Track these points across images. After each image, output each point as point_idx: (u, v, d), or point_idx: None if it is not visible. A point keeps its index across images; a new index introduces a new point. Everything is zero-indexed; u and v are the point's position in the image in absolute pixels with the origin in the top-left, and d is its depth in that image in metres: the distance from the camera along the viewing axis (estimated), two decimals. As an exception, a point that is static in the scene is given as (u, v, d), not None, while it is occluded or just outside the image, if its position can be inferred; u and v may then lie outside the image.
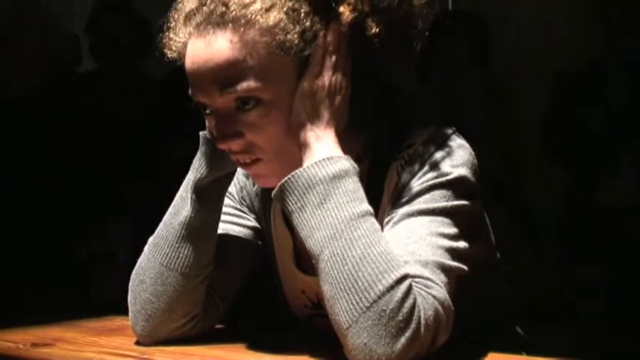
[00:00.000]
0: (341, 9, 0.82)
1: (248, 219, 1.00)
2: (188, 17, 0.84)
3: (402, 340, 0.74)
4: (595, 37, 2.28)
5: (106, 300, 1.93)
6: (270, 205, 0.98)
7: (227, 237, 0.97)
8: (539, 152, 2.39)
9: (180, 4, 0.87)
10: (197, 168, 0.92)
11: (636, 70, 2.17)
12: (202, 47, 0.82)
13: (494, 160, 2.32)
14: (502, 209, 2.25)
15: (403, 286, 0.75)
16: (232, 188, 1.00)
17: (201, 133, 0.92)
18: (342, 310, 0.76)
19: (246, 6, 0.81)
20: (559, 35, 2.52)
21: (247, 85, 0.81)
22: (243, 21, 0.80)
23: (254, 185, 1.00)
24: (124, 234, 2.21)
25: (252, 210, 1.01)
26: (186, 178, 0.94)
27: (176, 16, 0.87)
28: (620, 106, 2.17)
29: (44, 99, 2.17)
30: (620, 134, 2.15)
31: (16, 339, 0.98)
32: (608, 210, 2.09)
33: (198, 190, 0.91)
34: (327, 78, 0.83)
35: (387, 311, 0.74)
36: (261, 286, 1.03)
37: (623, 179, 2.11)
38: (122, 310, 1.10)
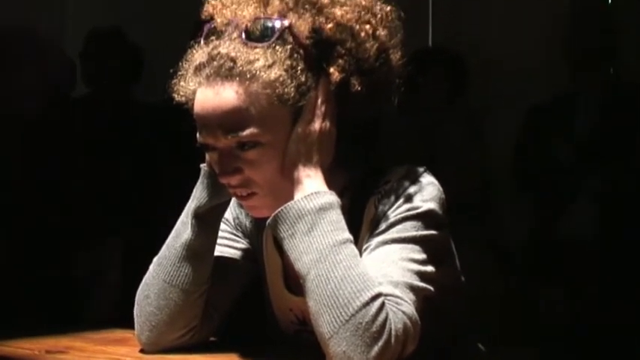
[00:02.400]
0: (330, 69, 0.96)
1: (242, 243, 1.13)
2: (198, 68, 0.97)
3: (376, 348, 0.86)
4: (563, 72, 2.42)
5: (99, 317, 2.02)
6: (262, 232, 1.10)
7: (223, 258, 1.10)
8: (511, 182, 2.51)
9: (190, 56, 0.99)
10: (197, 197, 1.05)
11: (597, 107, 2.30)
12: (211, 96, 0.95)
13: (469, 189, 2.45)
14: (475, 234, 2.38)
15: (377, 303, 0.88)
16: (229, 215, 1.12)
17: (202, 165, 1.05)
18: (324, 322, 0.88)
19: (251, 62, 0.94)
20: (531, 69, 2.64)
21: (249, 131, 0.94)
22: (248, 75, 0.93)
23: (247, 214, 1.13)
24: (113, 255, 2.30)
25: (246, 235, 1.13)
26: (187, 205, 1.06)
27: (186, 65, 0.99)
28: (584, 139, 2.27)
29: (43, 123, 2.24)
30: (583, 167, 2.27)
31: (31, 347, 1.08)
32: (569, 240, 2.22)
33: (198, 216, 1.04)
34: (317, 125, 0.96)
35: (363, 324, 0.87)
36: (252, 304, 1.15)
37: (583, 211, 2.24)
38: (119, 323, 1.22)
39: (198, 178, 1.05)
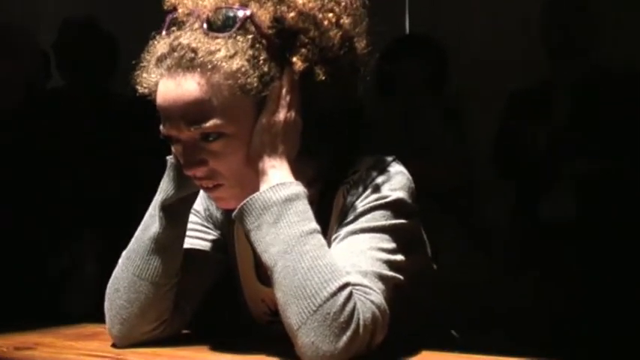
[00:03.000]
0: (294, 59, 0.95)
1: (213, 234, 1.12)
2: (160, 60, 0.96)
3: (344, 338, 0.86)
4: (543, 60, 2.43)
5: (77, 310, 2.01)
6: (233, 223, 1.10)
7: (194, 250, 1.09)
8: (491, 168, 2.53)
9: (152, 47, 0.98)
10: (164, 189, 1.04)
11: (578, 91, 2.32)
12: (173, 87, 0.94)
13: (449, 176, 2.45)
14: (454, 220, 2.39)
15: (345, 293, 0.88)
16: (199, 206, 1.12)
17: (167, 157, 1.04)
18: (292, 313, 0.88)
19: (212, 53, 0.93)
20: (510, 55, 2.65)
21: (212, 122, 0.93)
22: (209, 66, 0.92)
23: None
24: (89, 248, 2.28)
25: (217, 226, 1.13)
26: (155, 198, 1.05)
27: (148, 57, 0.98)
28: (561, 126, 2.30)
29: (21, 117, 2.22)
30: (562, 153, 2.29)
31: (0, 343, 1.07)
32: (548, 223, 2.24)
33: (165, 208, 1.03)
34: (282, 115, 0.95)
35: (331, 314, 0.87)
36: (224, 295, 1.14)
37: (563, 195, 2.27)
38: (93, 318, 1.21)
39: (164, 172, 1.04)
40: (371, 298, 0.90)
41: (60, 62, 2.59)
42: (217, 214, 1.13)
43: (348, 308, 0.87)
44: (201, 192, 1.08)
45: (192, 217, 1.09)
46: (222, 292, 1.14)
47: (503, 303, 2.20)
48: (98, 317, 1.16)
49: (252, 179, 0.96)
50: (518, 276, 2.25)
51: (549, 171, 2.29)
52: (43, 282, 2.12)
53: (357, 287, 0.90)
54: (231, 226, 1.11)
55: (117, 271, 1.05)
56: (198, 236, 1.11)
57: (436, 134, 2.54)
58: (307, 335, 0.87)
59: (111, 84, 2.59)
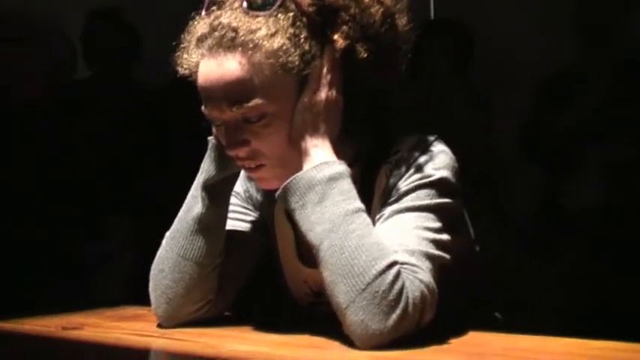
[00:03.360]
0: (335, 36, 0.94)
1: (254, 216, 1.12)
2: (200, 40, 0.95)
3: (394, 316, 0.86)
4: (572, 46, 2.40)
5: (113, 296, 2.03)
6: (273, 204, 1.10)
7: (236, 232, 1.09)
8: (519, 155, 2.51)
9: (192, 27, 0.98)
10: (206, 169, 1.04)
11: (607, 78, 2.29)
12: (214, 67, 0.93)
13: (476, 162, 2.43)
14: (484, 208, 2.37)
15: (393, 271, 0.87)
16: (239, 188, 1.11)
17: (209, 138, 1.04)
18: (340, 292, 0.88)
19: (253, 32, 0.92)
20: (538, 41, 2.62)
21: (254, 102, 0.93)
22: (251, 45, 0.92)
23: (258, 186, 1.12)
24: (125, 235, 2.30)
25: (257, 208, 1.13)
26: (197, 179, 1.05)
27: (188, 37, 0.98)
28: (590, 113, 2.28)
29: (49, 106, 2.24)
30: (590, 139, 2.27)
31: (47, 324, 1.08)
32: (575, 210, 2.23)
33: (207, 188, 1.03)
34: (323, 94, 0.95)
35: (380, 292, 0.86)
36: (265, 277, 1.14)
37: (589, 181, 2.25)
38: (134, 301, 1.21)
39: (205, 153, 1.04)
40: (419, 276, 0.89)
41: (86, 53, 2.61)
42: (257, 195, 1.12)
43: (397, 286, 0.87)
44: (241, 174, 1.08)
45: (232, 199, 1.08)
46: (262, 274, 1.14)
47: (538, 287, 2.19)
48: (136, 302, 1.17)
49: (294, 159, 0.95)
50: (552, 260, 2.24)
51: (578, 156, 2.27)
52: (81, 268, 2.15)
53: (404, 266, 0.89)
54: (270, 208, 1.11)
55: (161, 252, 1.05)
56: (239, 218, 1.11)
57: (462, 120, 2.52)
58: (356, 314, 0.86)
59: (135, 73, 2.61)
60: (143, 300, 1.09)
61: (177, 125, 2.18)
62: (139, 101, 2.51)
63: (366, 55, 0.95)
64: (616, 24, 2.29)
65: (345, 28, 0.94)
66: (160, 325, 1.05)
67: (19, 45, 2.23)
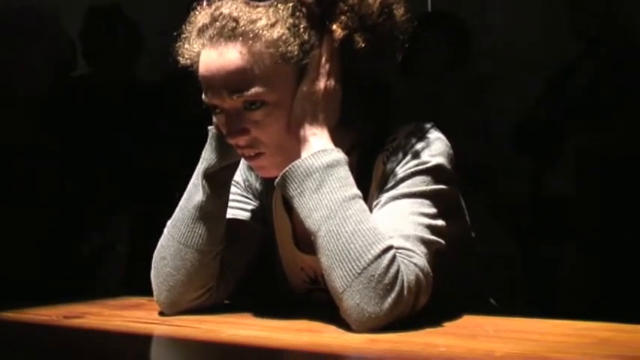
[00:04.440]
0: (334, 27, 0.96)
1: (253, 204, 1.14)
2: (201, 30, 0.97)
3: (389, 300, 0.88)
4: (567, 39, 2.41)
5: (112, 287, 2.05)
6: (272, 193, 1.11)
7: (236, 220, 1.11)
8: (512, 145, 2.53)
9: (193, 18, 1.00)
10: (206, 158, 1.05)
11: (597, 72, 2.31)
12: (215, 57, 0.95)
13: (471, 155, 2.45)
14: (479, 196, 2.39)
15: (388, 255, 0.89)
16: (239, 177, 1.13)
17: (209, 127, 1.06)
18: (337, 277, 0.90)
19: (253, 22, 0.94)
20: (532, 35, 2.63)
21: (254, 90, 0.95)
22: (251, 35, 0.94)
23: (257, 175, 1.14)
24: (122, 228, 2.32)
25: (256, 197, 1.14)
26: (197, 168, 1.07)
27: (189, 28, 1.00)
28: (575, 103, 2.30)
29: (48, 102, 2.25)
30: (574, 129, 2.30)
31: (49, 313, 1.10)
32: (561, 197, 2.27)
33: (208, 177, 1.05)
34: (322, 83, 0.96)
35: (375, 276, 0.88)
36: (262, 266, 1.16)
37: (568, 169, 2.28)
38: (132, 292, 1.23)
39: (203, 147, 1.06)
40: (414, 261, 0.91)
41: (85, 49, 2.62)
42: (257, 184, 1.14)
43: (392, 270, 0.88)
44: (241, 163, 1.10)
45: (232, 189, 1.10)
46: (260, 262, 1.16)
47: (534, 272, 2.22)
48: (136, 292, 1.19)
49: (293, 147, 0.97)
50: (548, 247, 2.27)
51: (561, 144, 2.29)
52: (78, 260, 2.17)
53: (400, 250, 0.91)
54: (270, 196, 1.13)
55: (163, 240, 1.07)
56: (239, 207, 1.13)
57: (458, 112, 2.53)
58: (352, 298, 0.88)
59: (136, 70, 2.62)
60: (143, 291, 1.10)
61: (177, 120, 2.20)
62: (138, 97, 2.52)
63: (364, 44, 0.97)
64: (607, 22, 2.31)
65: (343, 18, 0.96)
66: (161, 313, 1.07)
67: (18, 42, 2.24)
